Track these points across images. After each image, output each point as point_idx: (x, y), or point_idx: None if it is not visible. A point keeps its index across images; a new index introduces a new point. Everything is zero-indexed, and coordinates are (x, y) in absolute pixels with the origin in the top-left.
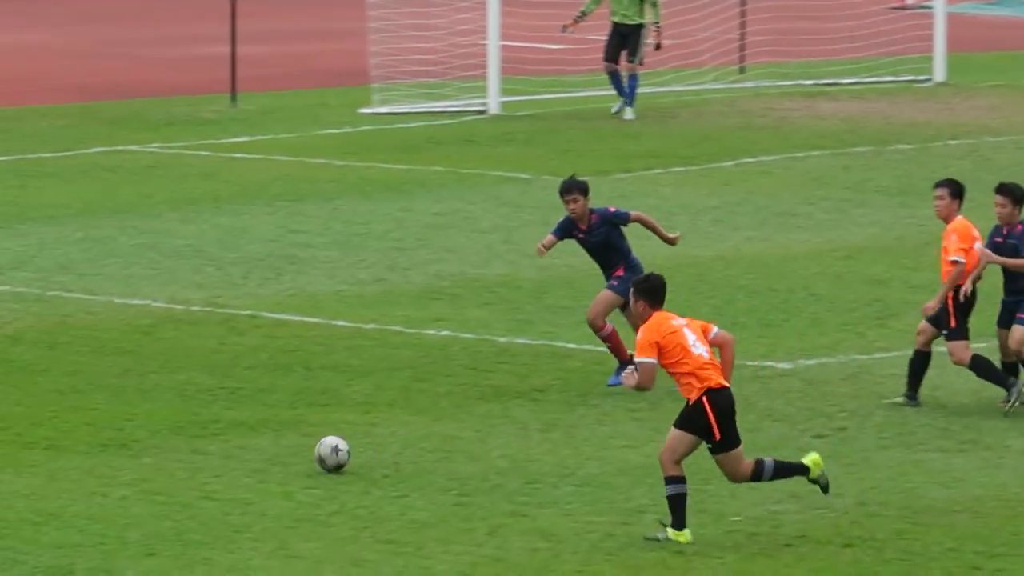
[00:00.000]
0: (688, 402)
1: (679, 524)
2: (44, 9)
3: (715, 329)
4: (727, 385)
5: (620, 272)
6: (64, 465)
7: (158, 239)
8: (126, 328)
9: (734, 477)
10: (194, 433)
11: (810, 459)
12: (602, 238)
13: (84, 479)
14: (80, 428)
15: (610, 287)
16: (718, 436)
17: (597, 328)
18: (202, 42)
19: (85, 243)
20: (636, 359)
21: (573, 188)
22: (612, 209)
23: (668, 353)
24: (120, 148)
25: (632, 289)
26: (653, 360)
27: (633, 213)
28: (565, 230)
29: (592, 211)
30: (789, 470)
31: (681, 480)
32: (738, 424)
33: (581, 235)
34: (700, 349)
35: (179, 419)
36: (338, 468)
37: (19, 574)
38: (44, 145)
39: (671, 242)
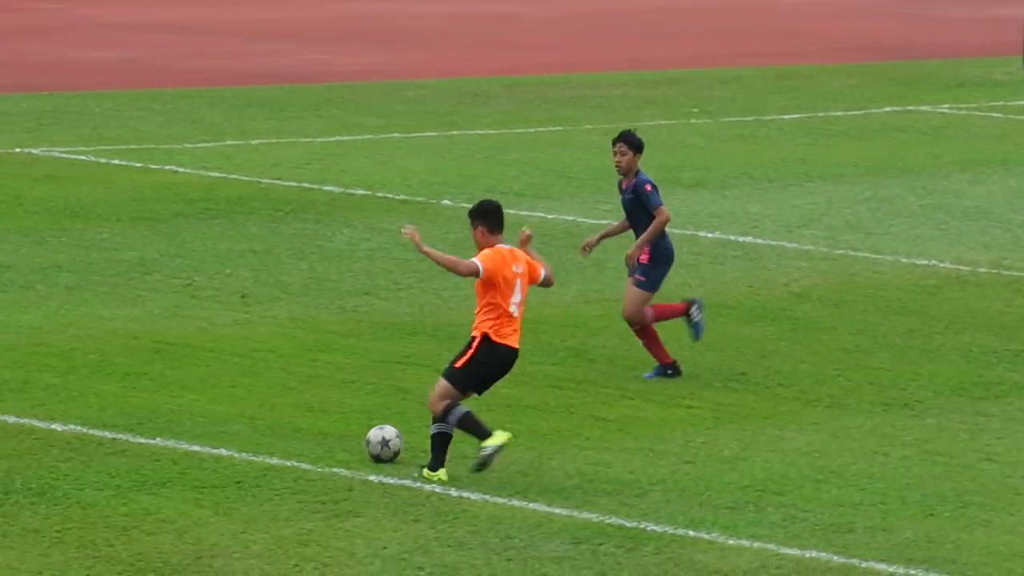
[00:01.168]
0: (472, 341)
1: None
2: None
3: (543, 272)
4: (516, 348)
5: (644, 259)
6: (847, 424)
7: (946, 200)
8: (912, 288)
9: (430, 403)
10: (977, 395)
11: (501, 435)
12: (631, 203)
13: (866, 438)
14: (864, 387)
15: (636, 281)
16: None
17: (634, 322)
18: (994, 3)
19: (873, 202)
20: (473, 257)
21: (619, 139)
22: (649, 188)
23: (491, 290)
24: (911, 108)
25: (469, 219)
26: (480, 268)
27: (662, 208)
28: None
29: (639, 173)
30: (475, 427)
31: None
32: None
33: (620, 192)
34: (515, 307)
35: (962, 380)
36: (393, 457)
37: (800, 530)
38: (835, 103)
39: (628, 253)
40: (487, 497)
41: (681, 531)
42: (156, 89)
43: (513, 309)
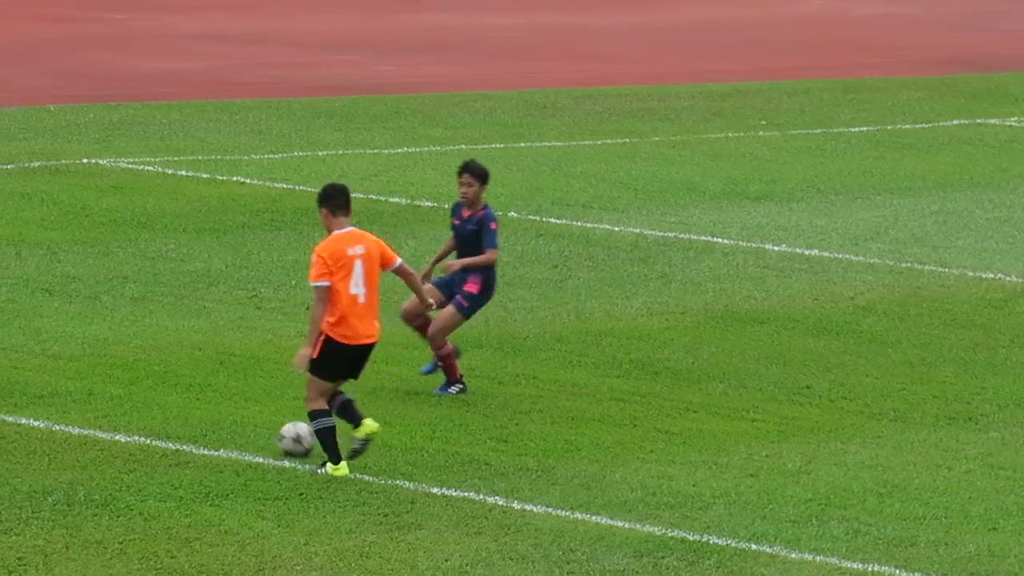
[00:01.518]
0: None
1: (334, 458)
2: None
3: (398, 261)
4: (362, 343)
5: (474, 290)
6: (910, 437)
7: (1013, 213)
8: (977, 302)
9: (307, 398)
10: None
11: (369, 425)
12: (470, 234)
13: (929, 452)
14: (928, 401)
15: (457, 303)
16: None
17: (437, 344)
18: None
19: (940, 215)
20: (311, 282)
21: (465, 170)
22: (494, 226)
23: (332, 280)
24: (979, 121)
25: (317, 204)
26: (320, 283)
27: (496, 251)
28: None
29: (485, 206)
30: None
31: (325, 414)
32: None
33: (457, 220)
34: (358, 290)
35: None
36: (305, 453)
37: (863, 544)
38: (903, 116)
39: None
40: (549, 510)
41: (743, 545)
42: (224, 100)
43: (356, 291)
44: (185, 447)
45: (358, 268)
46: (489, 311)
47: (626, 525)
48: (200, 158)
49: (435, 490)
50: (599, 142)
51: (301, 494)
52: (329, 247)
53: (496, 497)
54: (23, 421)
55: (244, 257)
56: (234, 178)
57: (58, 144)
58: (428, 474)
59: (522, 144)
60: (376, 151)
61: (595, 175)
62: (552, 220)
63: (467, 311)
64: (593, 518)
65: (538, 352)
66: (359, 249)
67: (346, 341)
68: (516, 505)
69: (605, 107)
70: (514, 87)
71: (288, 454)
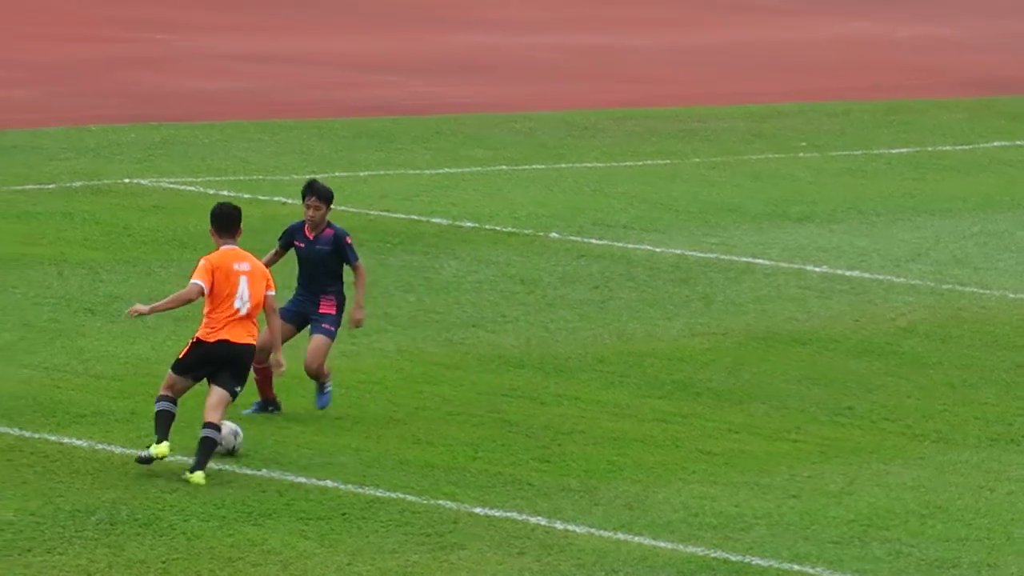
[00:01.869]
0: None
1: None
2: (948, 2)
3: (271, 292)
4: (233, 340)
5: (331, 311)
6: (953, 458)
7: None
8: (1019, 323)
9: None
10: None
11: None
12: (323, 254)
13: (972, 473)
14: (970, 422)
15: (324, 331)
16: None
17: (320, 375)
18: None
19: (981, 237)
20: (192, 279)
21: (312, 193)
22: (349, 240)
23: (217, 291)
24: (1019, 143)
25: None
26: (202, 285)
27: (360, 262)
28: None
29: (330, 225)
30: (161, 427)
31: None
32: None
33: (302, 243)
34: (241, 303)
35: None
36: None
37: (904, 565)
38: (944, 138)
39: (353, 319)
40: (592, 530)
41: (786, 565)
42: (265, 120)
43: (239, 305)
44: (228, 467)
45: (244, 283)
46: (531, 331)
47: (669, 546)
48: (241, 178)
49: (478, 510)
50: (640, 163)
51: (344, 514)
52: (213, 265)
53: (539, 517)
54: (66, 440)
55: (286, 277)
56: (275, 198)
57: (100, 164)
58: (471, 494)
59: (563, 165)
60: (417, 171)
61: (636, 196)
62: (593, 241)
63: (335, 334)
64: (636, 539)
65: (580, 373)
66: (245, 266)
67: (215, 338)
68: (559, 525)
69: (646, 128)
70: (555, 108)
71: (230, 452)
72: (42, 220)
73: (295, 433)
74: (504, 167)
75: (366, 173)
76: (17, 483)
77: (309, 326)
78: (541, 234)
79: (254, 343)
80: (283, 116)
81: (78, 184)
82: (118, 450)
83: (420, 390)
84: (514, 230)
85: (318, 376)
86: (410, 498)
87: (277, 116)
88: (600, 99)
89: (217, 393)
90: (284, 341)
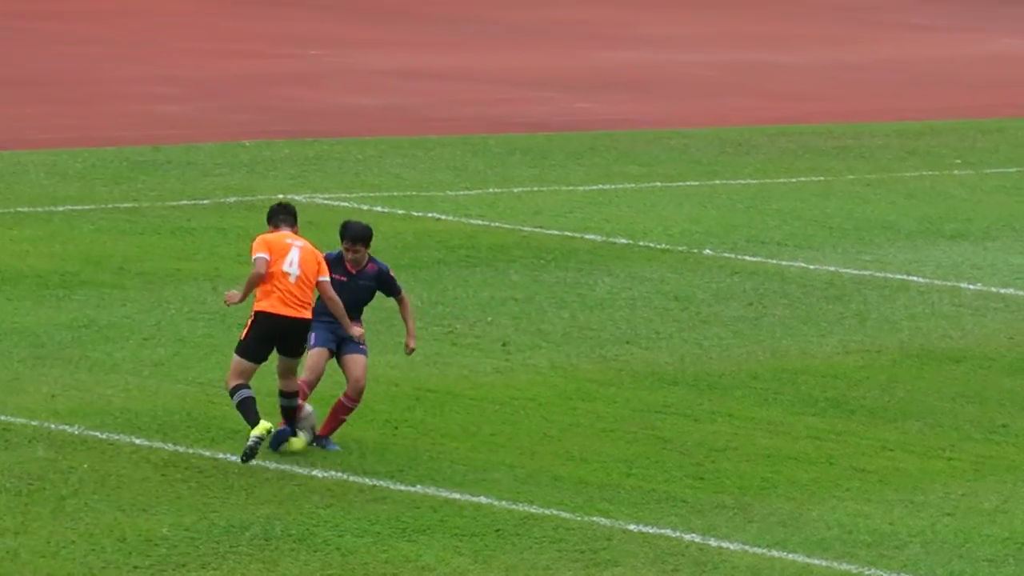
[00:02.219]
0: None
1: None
2: None
3: (324, 278)
4: (285, 315)
5: (362, 326)
6: None
7: None
8: None
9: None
10: None
11: (263, 426)
12: (365, 289)
13: None
14: None
15: (361, 351)
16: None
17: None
18: None
19: None
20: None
21: (358, 239)
22: (392, 274)
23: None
24: None
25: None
26: (263, 256)
27: (404, 293)
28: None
29: (372, 259)
30: (248, 412)
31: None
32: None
33: (344, 277)
34: (291, 268)
35: None
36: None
37: None
38: None
39: (409, 347)
40: (746, 547)
41: None
42: (419, 136)
43: (288, 269)
44: (382, 482)
45: (295, 254)
46: (685, 348)
47: (823, 563)
48: (395, 194)
49: (632, 527)
50: (794, 180)
51: (498, 530)
52: (268, 241)
53: (693, 534)
54: (220, 456)
55: (440, 293)
56: (429, 214)
57: (254, 180)
58: (625, 511)
59: (717, 181)
60: (571, 188)
61: (790, 213)
62: (747, 258)
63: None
64: (790, 556)
65: (734, 390)
66: (298, 242)
67: (272, 311)
68: (713, 542)
69: (800, 145)
70: (709, 124)
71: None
72: (197, 236)
73: (449, 449)
74: (658, 183)
75: (520, 189)
76: (172, 498)
77: (338, 350)
78: (695, 251)
79: (309, 316)
80: (437, 132)
81: (232, 200)
82: (272, 465)
83: (574, 407)
84: (668, 247)
85: (361, 394)
86: (564, 515)
87: (431, 132)
88: (754, 116)
89: (285, 361)
90: (327, 362)
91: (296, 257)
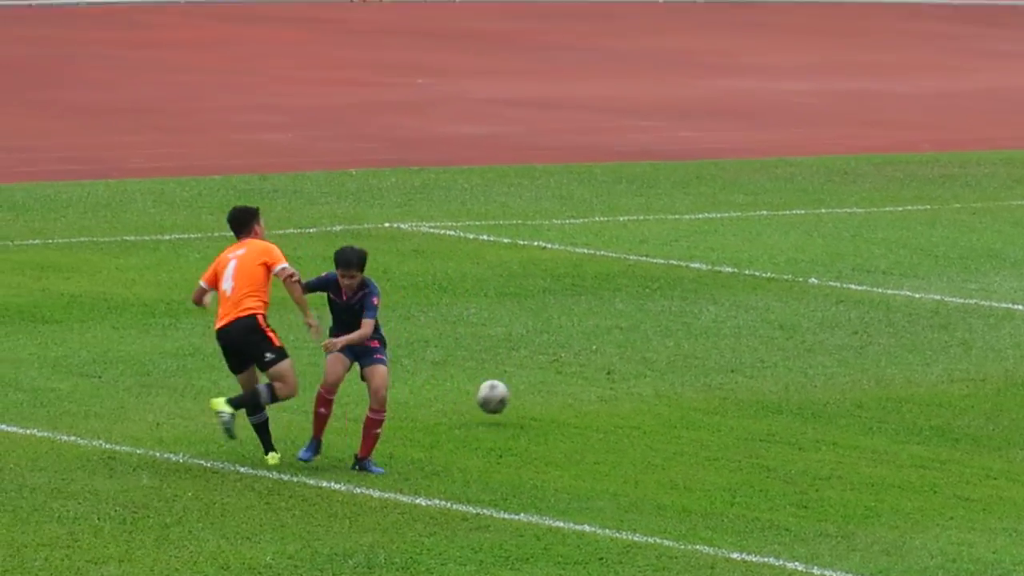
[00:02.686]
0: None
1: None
2: None
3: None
4: (217, 328)
5: (376, 344)
6: None
7: None
8: None
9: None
10: None
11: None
12: (355, 310)
13: None
14: None
15: (379, 361)
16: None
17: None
18: None
19: None
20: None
21: (354, 266)
22: (376, 301)
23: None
24: None
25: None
26: (202, 283)
27: (371, 320)
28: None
29: (366, 283)
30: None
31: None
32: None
33: (339, 300)
34: (228, 284)
35: None
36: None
37: None
38: None
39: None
40: (849, 575)
41: None
42: (524, 165)
43: (224, 286)
44: (485, 511)
45: (230, 268)
46: (789, 377)
47: None
48: (501, 222)
49: (735, 555)
50: (900, 208)
51: (601, 559)
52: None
53: (796, 563)
54: (324, 484)
55: (545, 321)
56: (535, 243)
57: (360, 208)
58: (728, 539)
59: (823, 210)
60: (677, 216)
61: (896, 241)
62: (852, 286)
63: (387, 362)
64: None
65: (838, 418)
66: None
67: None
68: (816, 571)
69: (905, 173)
70: (814, 153)
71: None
72: (303, 264)
73: (553, 477)
74: (764, 212)
75: (626, 218)
76: (276, 526)
77: (358, 363)
78: (800, 279)
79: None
80: (543, 161)
81: (338, 228)
82: (376, 494)
83: (678, 435)
84: (773, 275)
85: (384, 404)
86: (667, 543)
87: (537, 160)
88: (859, 144)
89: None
90: (346, 370)
91: (231, 270)
